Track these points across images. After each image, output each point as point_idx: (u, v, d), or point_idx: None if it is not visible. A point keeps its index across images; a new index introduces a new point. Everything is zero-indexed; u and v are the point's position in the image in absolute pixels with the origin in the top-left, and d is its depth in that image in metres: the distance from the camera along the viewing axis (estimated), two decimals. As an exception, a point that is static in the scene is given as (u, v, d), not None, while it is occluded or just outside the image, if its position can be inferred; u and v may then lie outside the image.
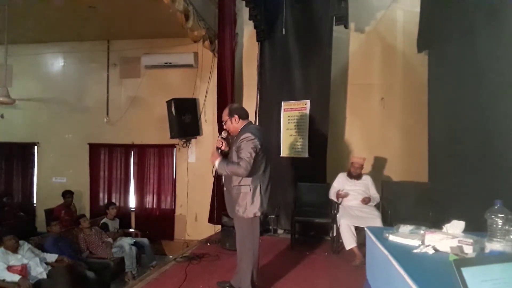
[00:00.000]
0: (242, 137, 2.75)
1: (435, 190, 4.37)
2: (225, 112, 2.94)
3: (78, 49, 6.84)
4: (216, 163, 2.82)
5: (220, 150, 2.95)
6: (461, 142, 3.81)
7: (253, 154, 2.69)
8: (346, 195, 4.21)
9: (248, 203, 2.76)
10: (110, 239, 5.28)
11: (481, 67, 3.44)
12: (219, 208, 4.90)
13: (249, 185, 2.75)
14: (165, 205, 6.61)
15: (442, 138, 4.34)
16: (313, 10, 5.19)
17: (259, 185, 2.78)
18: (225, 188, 2.95)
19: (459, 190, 3.77)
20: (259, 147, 2.73)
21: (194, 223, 6.31)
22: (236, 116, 2.87)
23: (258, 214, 2.79)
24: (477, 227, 1.86)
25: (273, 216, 5.11)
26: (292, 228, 4.60)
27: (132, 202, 6.77)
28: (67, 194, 6.14)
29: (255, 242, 2.85)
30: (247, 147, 2.69)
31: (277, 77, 5.47)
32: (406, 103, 5.29)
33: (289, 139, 5.25)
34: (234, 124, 2.89)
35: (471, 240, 1.63)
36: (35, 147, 7.07)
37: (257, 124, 5.43)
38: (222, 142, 2.98)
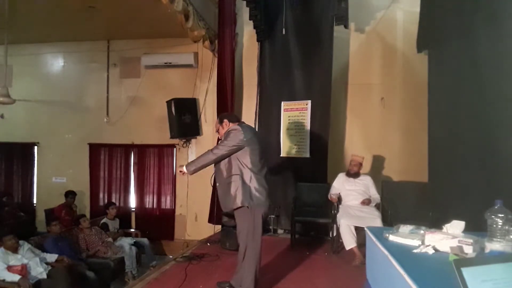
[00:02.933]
0: (229, 129, 2.86)
1: (435, 190, 4.36)
2: (216, 122, 3.11)
3: (78, 49, 6.83)
4: (184, 168, 2.87)
5: None
6: (461, 142, 3.80)
7: (233, 144, 2.75)
8: (335, 199, 4.22)
9: (239, 192, 2.77)
10: (110, 239, 5.28)
11: (481, 67, 3.44)
12: (219, 208, 4.86)
13: (238, 174, 2.80)
14: (165, 205, 6.61)
15: (442, 138, 4.33)
16: (313, 10, 5.19)
17: (249, 178, 2.79)
18: (218, 184, 2.99)
19: (459, 190, 3.76)
20: (244, 139, 2.78)
21: (194, 223, 6.31)
22: (225, 120, 3.01)
23: (246, 204, 2.78)
24: (477, 227, 1.86)
25: (273, 216, 5.11)
26: (292, 228, 4.60)
27: (132, 202, 6.77)
28: (70, 195, 6.13)
29: (257, 239, 2.82)
30: (233, 138, 2.77)
31: (277, 77, 5.46)
32: (406, 103, 5.29)
33: (290, 139, 5.24)
34: (225, 128, 2.98)
35: (471, 240, 1.63)
36: (35, 147, 7.07)
37: (257, 124, 5.46)
38: None
